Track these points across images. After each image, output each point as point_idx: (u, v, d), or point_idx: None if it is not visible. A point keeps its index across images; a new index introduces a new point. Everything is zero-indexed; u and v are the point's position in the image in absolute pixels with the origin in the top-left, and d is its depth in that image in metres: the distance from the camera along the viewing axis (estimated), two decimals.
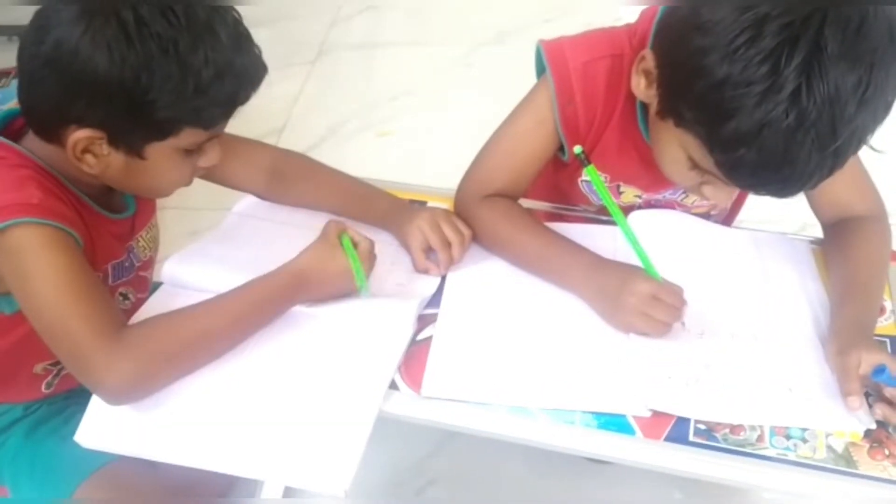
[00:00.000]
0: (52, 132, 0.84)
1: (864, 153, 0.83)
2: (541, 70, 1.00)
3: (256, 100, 0.87)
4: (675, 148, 0.87)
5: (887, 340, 0.93)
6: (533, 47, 0.99)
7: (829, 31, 0.71)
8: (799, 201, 1.00)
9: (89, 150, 0.83)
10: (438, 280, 0.99)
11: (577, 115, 0.98)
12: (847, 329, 0.89)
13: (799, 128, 0.73)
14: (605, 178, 1.03)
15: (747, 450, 0.80)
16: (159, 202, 1.06)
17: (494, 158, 1.04)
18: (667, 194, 1.08)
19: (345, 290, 0.94)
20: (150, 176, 0.88)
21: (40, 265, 0.80)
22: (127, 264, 0.99)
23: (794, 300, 0.97)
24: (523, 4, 2.84)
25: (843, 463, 0.79)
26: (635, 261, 0.91)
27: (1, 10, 2.22)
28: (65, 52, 0.77)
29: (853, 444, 0.80)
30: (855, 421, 0.82)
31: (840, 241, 1.01)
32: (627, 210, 1.04)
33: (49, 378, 1.01)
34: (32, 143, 0.87)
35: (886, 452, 0.79)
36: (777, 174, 0.78)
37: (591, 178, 0.91)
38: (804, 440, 0.81)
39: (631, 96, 0.94)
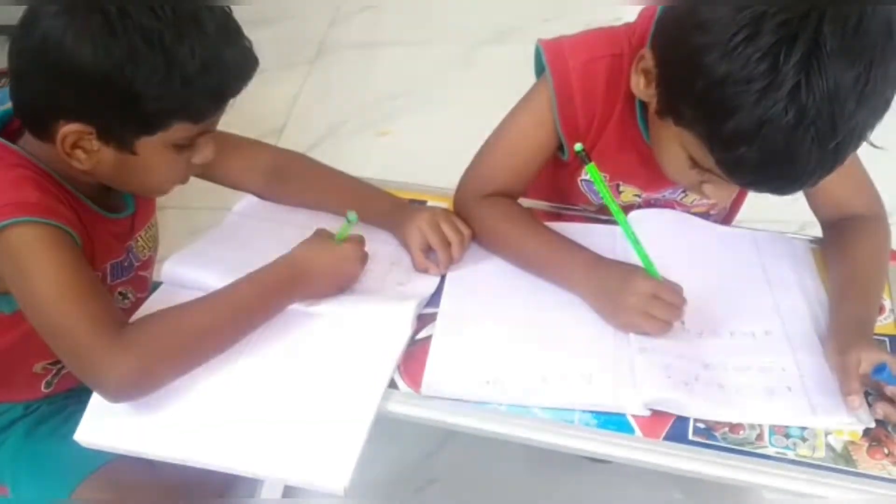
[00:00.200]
0: (43, 128, 0.83)
1: (863, 152, 0.83)
2: (540, 69, 1.00)
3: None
4: (675, 147, 0.87)
5: (887, 340, 0.93)
6: (532, 47, 0.99)
7: (828, 27, 0.71)
8: (798, 200, 1.01)
9: (79, 146, 0.83)
10: (438, 279, 0.99)
11: (576, 115, 0.98)
12: (847, 328, 0.89)
13: (799, 124, 0.73)
14: (605, 177, 1.03)
15: (747, 449, 0.80)
16: (159, 202, 1.06)
17: (494, 158, 1.04)
18: (666, 193, 1.08)
19: (342, 284, 0.94)
20: (143, 172, 0.87)
21: (39, 264, 0.80)
22: (126, 264, 0.99)
23: (794, 299, 0.97)
24: (523, 4, 2.84)
25: (842, 462, 0.79)
26: (635, 260, 0.91)
27: (1, 10, 2.22)
28: (50, 46, 0.78)
29: (852, 443, 0.80)
30: (854, 420, 0.81)
31: (839, 240, 1.01)
32: (627, 209, 1.04)
33: (49, 377, 1.01)
34: (29, 143, 0.87)
35: (886, 451, 0.79)
36: (778, 171, 0.78)
37: (592, 176, 0.91)
38: (803, 439, 0.81)
39: (630, 95, 0.94)
